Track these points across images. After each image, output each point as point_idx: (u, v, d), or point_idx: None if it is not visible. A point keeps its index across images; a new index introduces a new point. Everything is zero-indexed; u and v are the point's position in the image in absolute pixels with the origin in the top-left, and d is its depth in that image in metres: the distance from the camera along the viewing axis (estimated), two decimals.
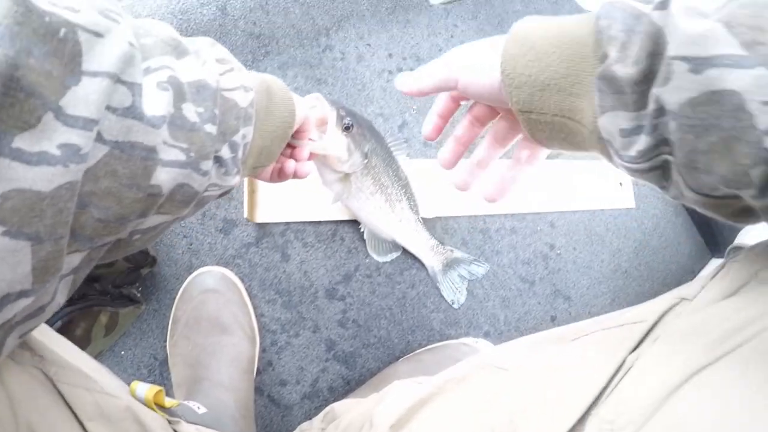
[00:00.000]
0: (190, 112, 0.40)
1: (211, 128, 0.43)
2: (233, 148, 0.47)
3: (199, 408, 0.85)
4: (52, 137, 0.30)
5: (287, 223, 1.03)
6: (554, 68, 0.43)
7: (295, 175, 0.73)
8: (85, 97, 0.31)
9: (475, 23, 1.27)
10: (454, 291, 1.08)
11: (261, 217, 1.01)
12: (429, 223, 1.06)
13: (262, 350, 1.01)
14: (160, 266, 0.99)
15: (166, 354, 0.99)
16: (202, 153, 0.42)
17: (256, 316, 1.00)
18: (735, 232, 1.28)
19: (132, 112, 0.35)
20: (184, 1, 1.02)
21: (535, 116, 0.46)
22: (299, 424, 1.02)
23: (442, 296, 1.09)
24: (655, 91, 0.37)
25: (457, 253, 1.08)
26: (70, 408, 0.53)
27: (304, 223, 1.03)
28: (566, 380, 0.46)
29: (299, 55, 1.09)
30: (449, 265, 1.07)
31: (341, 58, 1.12)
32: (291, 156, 0.73)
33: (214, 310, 0.95)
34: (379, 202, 0.96)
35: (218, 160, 0.46)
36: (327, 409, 0.83)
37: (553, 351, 0.54)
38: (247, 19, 1.06)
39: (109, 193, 0.35)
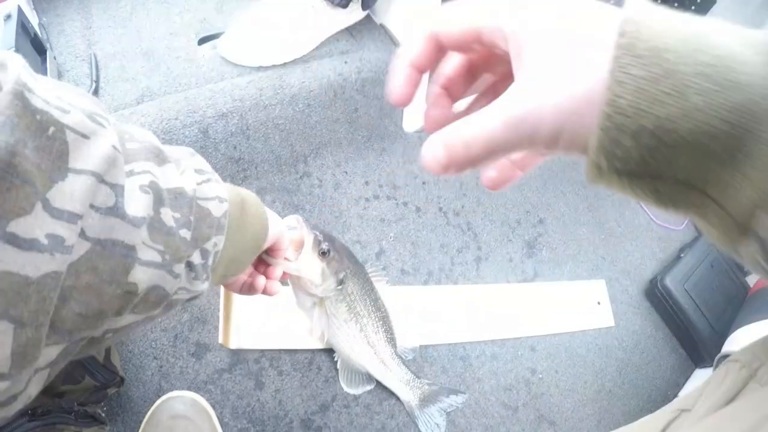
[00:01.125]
0: (168, 216, 0.42)
1: (186, 233, 0.44)
2: (204, 254, 0.48)
3: None
4: (42, 226, 0.31)
5: (262, 351, 1.00)
6: (704, 112, 0.27)
7: (265, 292, 0.73)
8: (71, 193, 0.33)
9: None
10: (433, 426, 1.04)
11: (235, 343, 0.98)
12: (407, 352, 1.04)
13: None
14: (127, 387, 0.96)
15: None
16: (177, 256, 0.43)
17: None
18: (717, 341, 1.28)
19: (115, 211, 0.36)
20: (168, 121, 1.04)
21: (647, 182, 0.30)
22: None
23: (441, 414, 1.05)
24: None
25: (434, 387, 1.05)
26: None
27: (279, 350, 1.01)
28: None
29: (277, 180, 1.11)
30: (426, 399, 1.04)
31: (319, 185, 1.14)
32: (264, 273, 0.74)
33: None
34: (353, 331, 0.94)
35: (189, 265, 0.47)
36: None
37: None
38: (228, 143, 1.09)
39: (90, 288, 0.36)
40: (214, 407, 0.96)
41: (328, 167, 1.16)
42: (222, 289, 0.99)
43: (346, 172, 1.18)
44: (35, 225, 0.31)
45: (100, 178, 0.35)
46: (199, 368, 0.98)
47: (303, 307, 0.91)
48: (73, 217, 0.33)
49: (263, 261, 0.73)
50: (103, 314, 0.38)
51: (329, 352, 1.04)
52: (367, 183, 1.19)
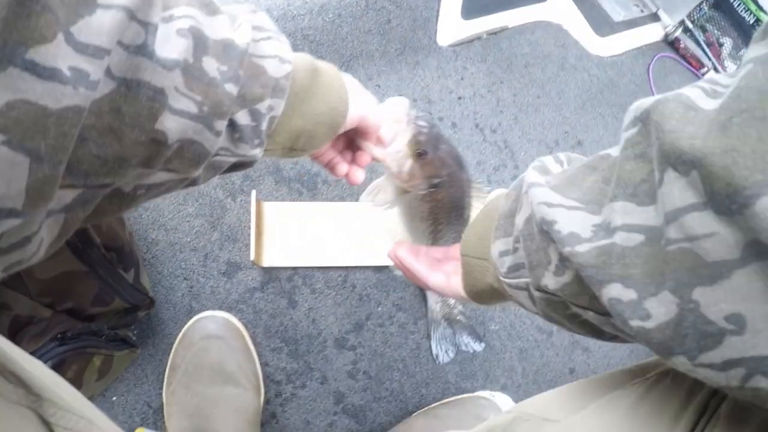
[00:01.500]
0: (211, 66, 0.40)
1: (231, 88, 0.42)
2: (255, 116, 0.45)
3: None
4: (65, 58, 0.30)
5: (295, 268, 0.98)
6: (485, 225, 0.57)
7: (347, 177, 0.69)
8: (98, 27, 0.31)
9: (485, 66, 1.25)
10: (442, 349, 1.01)
11: (267, 261, 0.96)
12: None
13: (266, 402, 0.94)
14: (157, 309, 0.94)
15: (162, 402, 0.92)
16: (217, 110, 0.41)
17: (260, 365, 0.94)
18: None
19: (143, 50, 0.35)
20: None
21: (468, 258, 0.59)
22: None
23: (454, 346, 1.03)
24: (516, 218, 0.48)
25: (462, 319, 1.01)
26: None
27: (312, 268, 0.98)
28: (641, 424, 0.43)
29: None
30: (448, 322, 1.01)
31: None
32: (352, 159, 0.69)
33: (217, 358, 0.89)
34: (424, 230, 0.87)
35: (232, 124, 0.45)
36: None
37: (612, 396, 0.49)
38: None
39: (110, 130, 0.35)
40: (246, 327, 0.94)
41: (359, 80, 1.10)
42: (253, 206, 0.95)
43: (379, 86, 1.12)
44: (57, 55, 0.29)
45: (131, 14, 0.33)
46: (231, 288, 0.96)
47: (385, 188, 0.81)
48: (99, 52, 0.31)
49: (355, 144, 0.68)
50: (125, 161, 0.37)
51: (363, 269, 1.01)
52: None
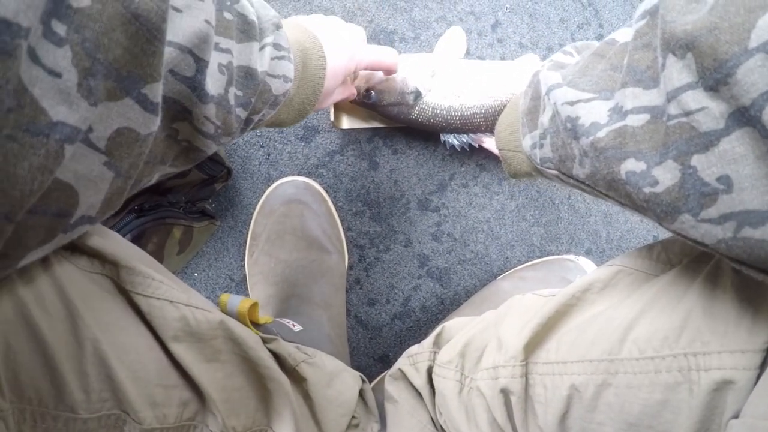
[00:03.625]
0: (231, 95, 0.43)
1: (241, 112, 0.46)
2: (247, 123, 0.50)
3: (294, 326, 0.78)
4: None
5: (375, 129, 0.94)
6: (514, 119, 0.64)
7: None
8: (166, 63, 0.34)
9: None
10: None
11: (347, 123, 0.92)
12: None
13: (349, 267, 0.94)
14: (234, 180, 0.92)
15: (244, 274, 0.93)
16: (227, 131, 0.45)
17: (343, 229, 0.93)
18: None
19: (190, 81, 0.37)
20: None
21: (505, 152, 0.66)
22: (389, 346, 0.96)
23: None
24: (540, 118, 0.53)
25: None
26: (148, 325, 0.48)
27: (393, 128, 0.94)
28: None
29: None
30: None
31: None
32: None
33: (299, 223, 0.88)
34: (476, 82, 0.83)
35: None
36: (438, 329, 0.75)
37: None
38: None
39: (157, 144, 0.39)
40: (327, 191, 0.92)
41: None
42: None
43: None
44: (159, 92, 0.33)
45: (188, 51, 0.36)
46: (309, 152, 0.93)
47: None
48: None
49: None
50: (165, 163, 0.41)
51: None
52: None
